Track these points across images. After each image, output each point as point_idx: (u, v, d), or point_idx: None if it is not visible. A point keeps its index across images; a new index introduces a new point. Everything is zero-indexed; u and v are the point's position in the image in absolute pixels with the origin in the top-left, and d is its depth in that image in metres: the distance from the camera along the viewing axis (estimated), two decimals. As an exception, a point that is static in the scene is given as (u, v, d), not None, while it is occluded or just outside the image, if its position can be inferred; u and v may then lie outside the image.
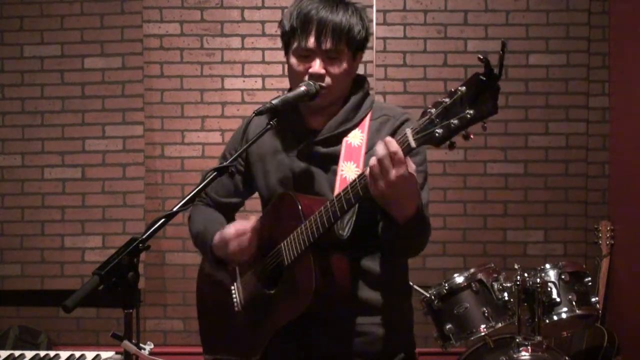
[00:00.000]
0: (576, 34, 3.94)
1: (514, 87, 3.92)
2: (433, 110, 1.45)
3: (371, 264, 1.91)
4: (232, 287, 2.04)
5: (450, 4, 3.95)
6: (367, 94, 1.98)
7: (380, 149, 1.57)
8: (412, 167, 1.61)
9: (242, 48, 3.99)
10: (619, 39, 3.88)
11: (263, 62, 3.98)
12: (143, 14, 3.97)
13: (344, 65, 1.87)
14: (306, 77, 1.87)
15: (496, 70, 1.36)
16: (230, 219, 2.09)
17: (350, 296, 1.85)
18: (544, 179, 3.95)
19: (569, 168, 3.95)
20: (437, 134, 1.44)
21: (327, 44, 1.83)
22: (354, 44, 1.88)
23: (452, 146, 1.45)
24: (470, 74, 1.40)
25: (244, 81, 3.99)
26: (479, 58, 1.36)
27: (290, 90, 1.91)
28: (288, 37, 1.90)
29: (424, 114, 1.48)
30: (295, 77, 1.90)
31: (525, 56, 3.94)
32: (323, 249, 1.77)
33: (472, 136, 1.42)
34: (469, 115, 1.38)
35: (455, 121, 1.40)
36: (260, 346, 1.92)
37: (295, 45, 1.87)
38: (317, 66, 1.85)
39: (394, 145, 1.55)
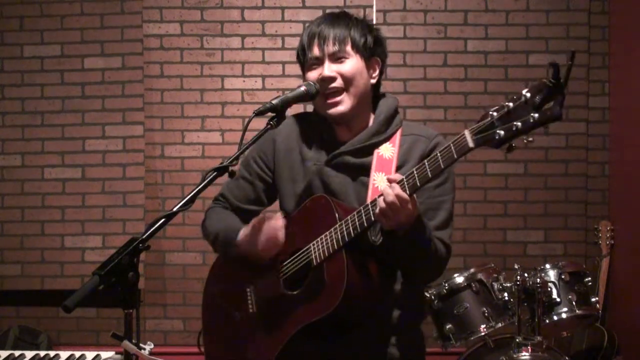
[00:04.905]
0: (576, 34, 3.94)
1: (514, 87, 3.91)
2: (495, 113, 1.45)
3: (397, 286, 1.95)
4: (248, 289, 2.02)
5: (450, 4, 3.95)
6: (396, 111, 2.01)
7: (386, 192, 1.65)
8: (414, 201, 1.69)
9: (242, 48, 3.98)
10: (619, 39, 3.87)
11: (263, 62, 3.98)
12: (143, 14, 3.97)
13: (354, 65, 1.92)
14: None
15: (563, 78, 1.37)
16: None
17: (377, 305, 1.88)
18: (544, 179, 3.95)
19: (569, 168, 3.95)
20: (497, 136, 1.45)
21: (330, 48, 1.92)
22: (358, 46, 1.93)
23: (510, 149, 1.47)
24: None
25: (244, 81, 3.99)
26: (549, 63, 1.37)
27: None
28: (302, 57, 1.98)
29: (484, 116, 1.49)
30: None
31: (525, 56, 3.93)
32: (357, 252, 1.81)
33: (532, 140, 1.43)
34: (532, 119, 1.39)
35: (518, 124, 1.41)
36: (275, 348, 1.91)
37: (306, 59, 1.96)
38: (326, 69, 1.91)
39: (396, 188, 1.65)
